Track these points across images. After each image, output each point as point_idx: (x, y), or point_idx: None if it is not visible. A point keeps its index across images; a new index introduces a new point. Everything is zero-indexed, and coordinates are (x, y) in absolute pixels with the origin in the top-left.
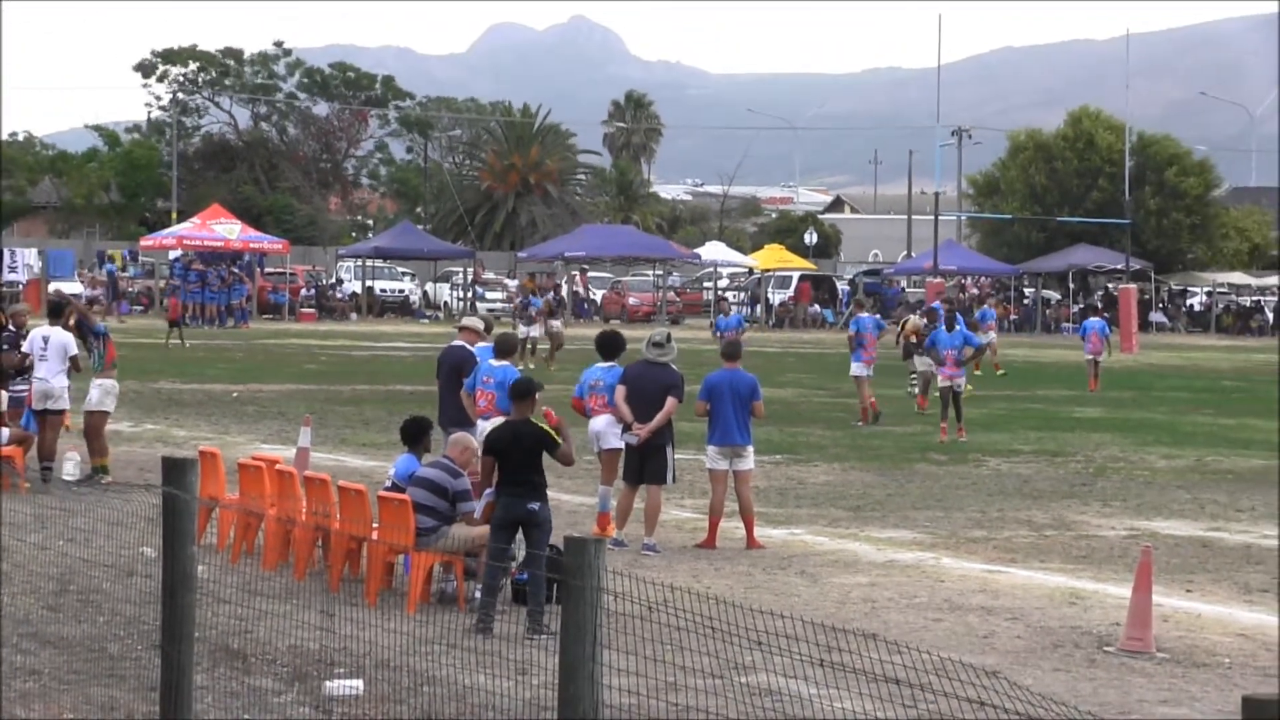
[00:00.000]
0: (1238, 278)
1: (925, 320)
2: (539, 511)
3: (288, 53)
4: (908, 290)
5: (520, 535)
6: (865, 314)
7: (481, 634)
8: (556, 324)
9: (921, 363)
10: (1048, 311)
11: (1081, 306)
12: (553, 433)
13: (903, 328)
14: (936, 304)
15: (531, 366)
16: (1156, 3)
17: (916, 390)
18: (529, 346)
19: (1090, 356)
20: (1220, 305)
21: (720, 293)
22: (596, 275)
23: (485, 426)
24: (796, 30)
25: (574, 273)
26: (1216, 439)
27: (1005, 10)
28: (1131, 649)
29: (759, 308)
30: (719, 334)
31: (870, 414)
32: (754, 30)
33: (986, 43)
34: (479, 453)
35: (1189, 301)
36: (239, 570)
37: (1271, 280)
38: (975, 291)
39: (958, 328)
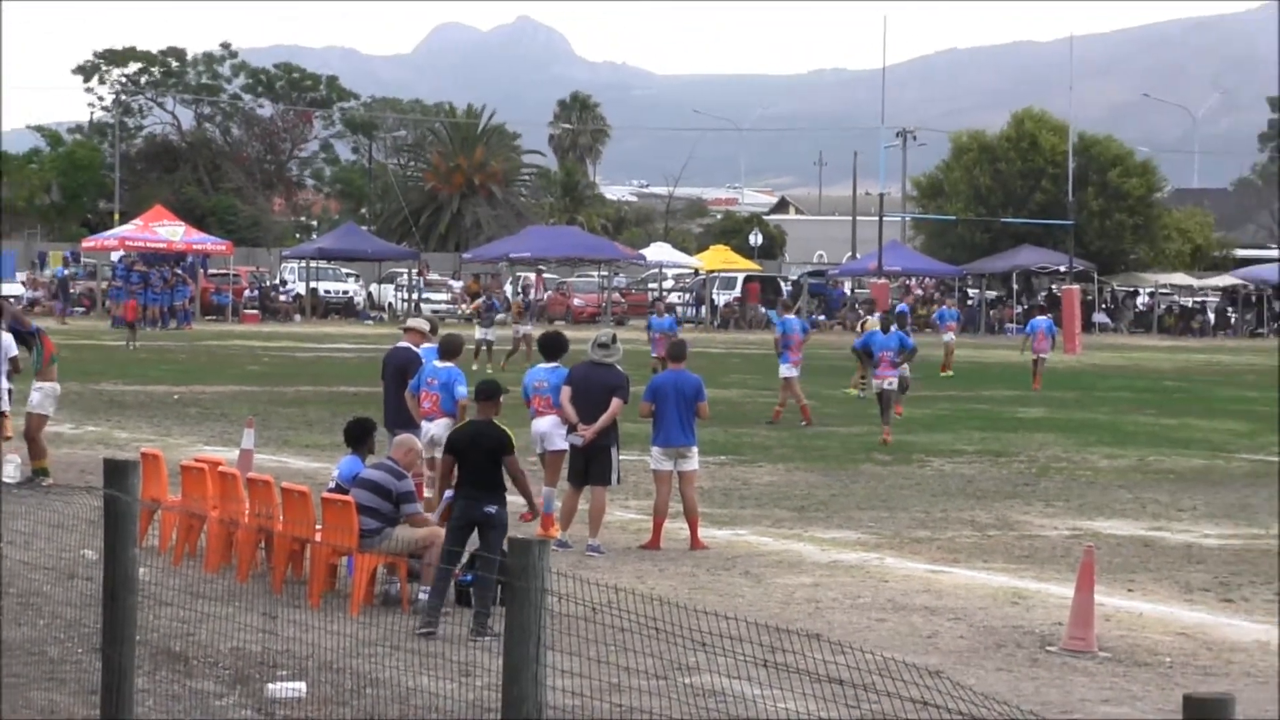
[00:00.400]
0: (1180, 278)
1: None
2: (495, 515)
3: (233, 54)
4: (856, 291)
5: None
6: (792, 316)
7: (425, 637)
8: (526, 328)
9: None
10: (992, 312)
11: (1025, 308)
12: (512, 438)
13: (862, 328)
14: (904, 306)
15: (490, 370)
16: (1101, 4)
17: (863, 394)
18: (486, 349)
19: (1036, 355)
20: (1162, 306)
21: (656, 292)
22: (549, 276)
23: (429, 428)
24: (742, 32)
25: (530, 275)
26: (1158, 439)
27: (950, 12)
28: (1074, 648)
29: (704, 309)
30: (652, 334)
31: (779, 414)
32: (699, 32)
33: (931, 44)
34: (423, 455)
35: (1139, 302)
36: (181, 572)
37: (1213, 281)
38: (920, 293)
39: (894, 329)
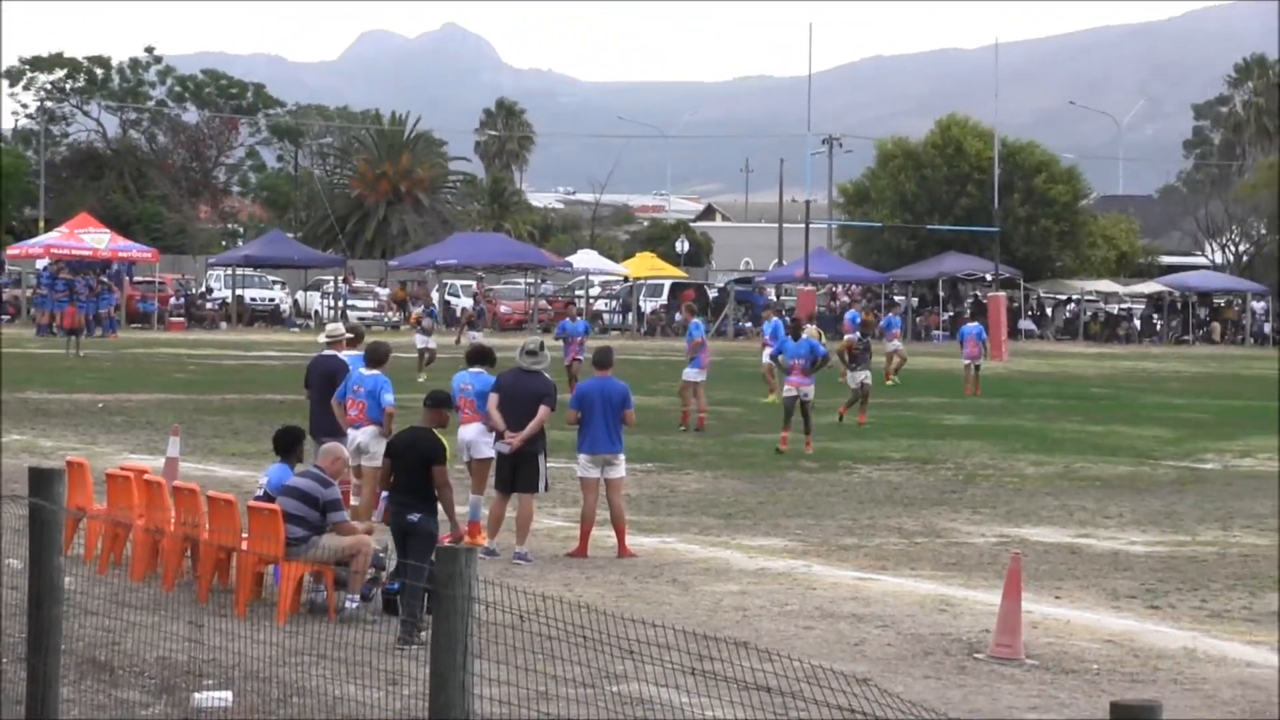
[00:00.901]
0: (1105, 285)
1: (860, 334)
2: (419, 522)
3: (158, 59)
4: (783, 299)
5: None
6: (699, 320)
7: (403, 647)
8: (478, 335)
9: (854, 379)
10: (918, 319)
11: (951, 314)
12: (446, 448)
13: (769, 339)
14: (853, 313)
15: (421, 379)
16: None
17: (844, 401)
18: (426, 358)
19: (968, 361)
20: (1088, 313)
21: (568, 298)
22: (468, 283)
23: (355, 435)
24: (667, 38)
25: (471, 283)
26: (1085, 446)
27: (875, 19)
28: (1001, 655)
29: (631, 316)
30: (567, 338)
31: (691, 421)
32: (625, 38)
33: (857, 51)
34: (350, 462)
35: (1068, 309)
36: (106, 581)
37: (1139, 288)
38: (846, 299)
39: (804, 336)
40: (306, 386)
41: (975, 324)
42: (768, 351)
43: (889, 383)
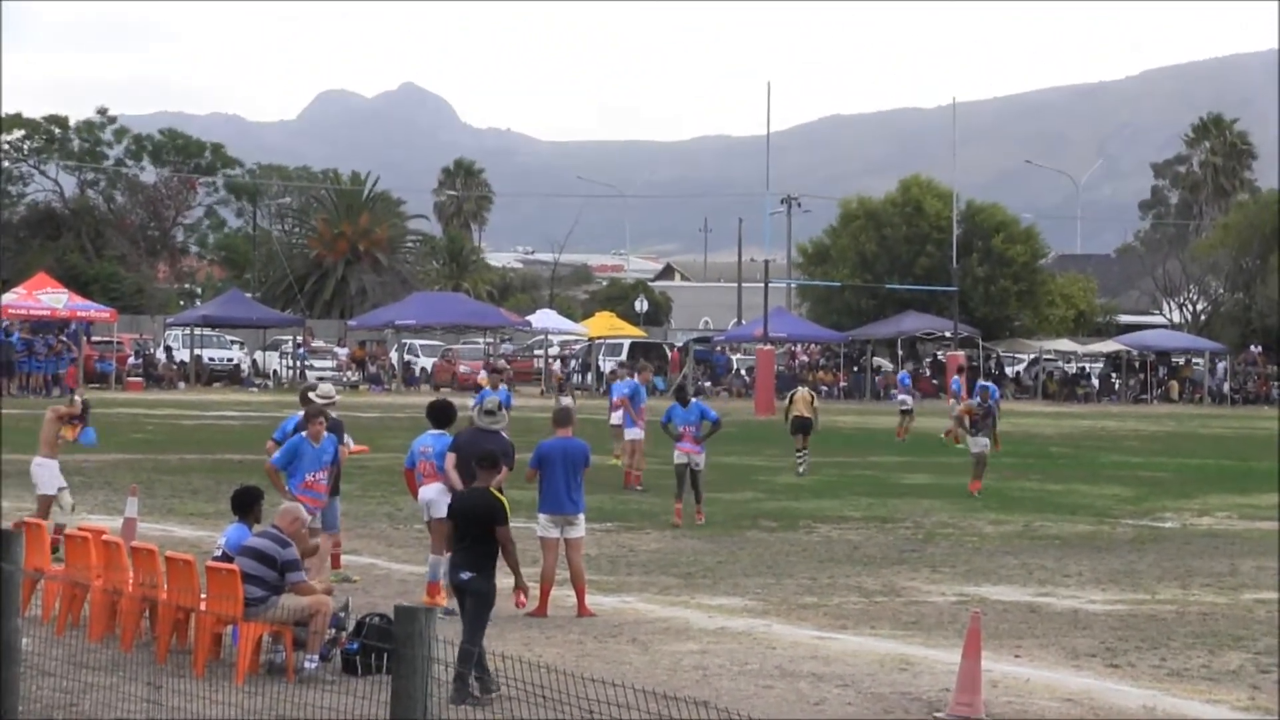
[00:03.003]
0: (1064, 344)
1: (979, 399)
2: (468, 582)
3: (111, 119)
4: (737, 358)
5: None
6: (632, 379)
7: (460, 702)
8: (569, 400)
9: (976, 444)
10: (877, 378)
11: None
12: (507, 508)
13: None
14: (903, 375)
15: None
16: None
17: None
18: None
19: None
20: (1046, 372)
21: (493, 363)
22: (427, 343)
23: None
24: (625, 98)
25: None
26: (1044, 504)
27: (833, 79)
28: (961, 714)
29: (590, 375)
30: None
31: (634, 478)
32: (583, 98)
33: (815, 110)
34: (308, 523)
35: (1036, 369)
36: (64, 642)
37: (1097, 347)
38: (805, 359)
39: (693, 401)
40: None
41: (989, 381)
42: (616, 415)
43: (950, 440)
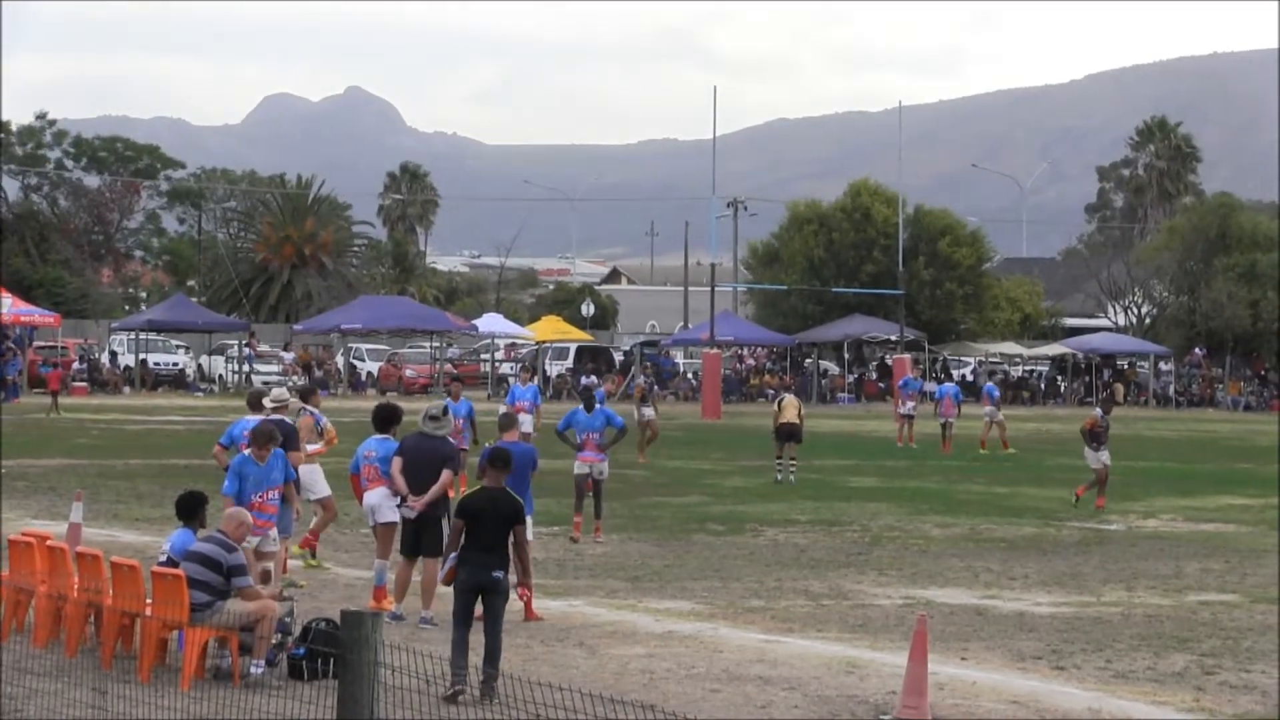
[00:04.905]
0: (1009, 347)
1: (1102, 411)
2: (503, 581)
3: (51, 123)
4: (682, 361)
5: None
6: (533, 384)
7: (453, 699)
8: (649, 411)
9: (1097, 459)
10: (824, 381)
11: (856, 377)
12: (524, 507)
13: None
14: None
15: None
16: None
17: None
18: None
19: (943, 419)
20: (991, 375)
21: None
22: (373, 347)
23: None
24: (572, 102)
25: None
26: (990, 507)
27: (778, 83)
28: (908, 717)
29: (537, 379)
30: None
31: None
32: (530, 102)
33: (760, 114)
34: (254, 544)
35: (1004, 371)
36: (9, 648)
37: (1042, 350)
38: (752, 362)
39: (598, 406)
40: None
41: (951, 384)
42: (525, 417)
43: (909, 445)
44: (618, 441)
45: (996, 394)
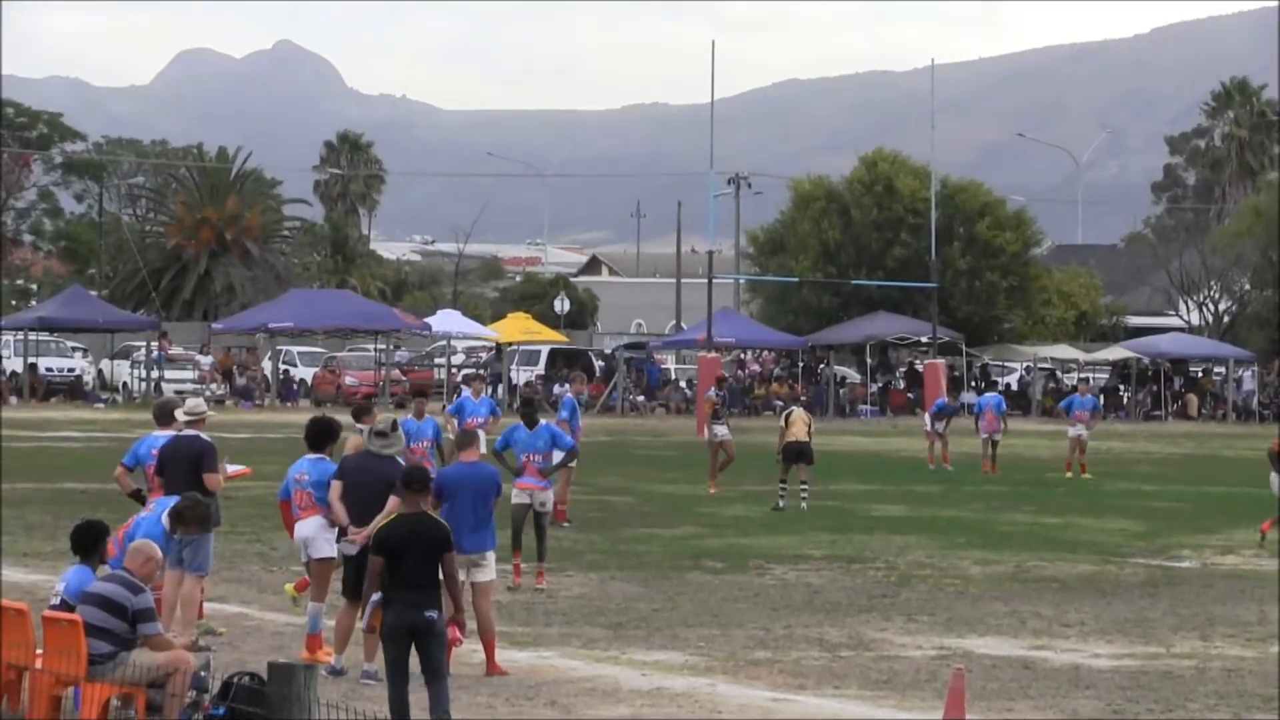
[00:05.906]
0: (1062, 351)
1: None
2: (437, 621)
3: None
4: (673, 367)
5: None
6: (484, 396)
7: None
8: (723, 430)
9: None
10: (842, 391)
11: (881, 386)
12: (450, 533)
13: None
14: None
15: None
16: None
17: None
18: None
19: (985, 435)
20: (1042, 383)
21: (417, 386)
22: (306, 350)
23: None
24: (544, 62)
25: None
26: (1038, 541)
27: (789, 37)
28: None
29: (500, 388)
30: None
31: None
32: (494, 61)
33: (768, 75)
34: (164, 564)
35: (1029, 380)
36: None
37: (1101, 354)
38: (757, 368)
39: (542, 424)
40: (159, 474)
41: (994, 394)
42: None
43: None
44: (564, 466)
45: (1091, 405)
